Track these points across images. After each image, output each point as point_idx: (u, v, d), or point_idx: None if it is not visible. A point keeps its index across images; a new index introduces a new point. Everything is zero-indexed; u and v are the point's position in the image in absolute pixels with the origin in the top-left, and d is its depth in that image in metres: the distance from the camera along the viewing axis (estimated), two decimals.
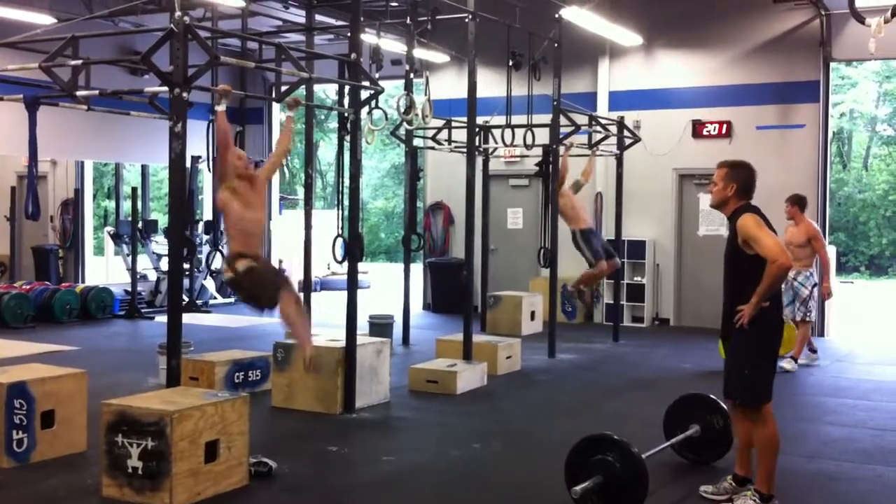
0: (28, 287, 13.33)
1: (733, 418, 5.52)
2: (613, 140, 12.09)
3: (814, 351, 10.57)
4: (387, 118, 9.61)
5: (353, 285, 7.79)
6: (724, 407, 5.95)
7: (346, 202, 8.10)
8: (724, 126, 13.25)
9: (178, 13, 5.93)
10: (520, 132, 11.32)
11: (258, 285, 6.39)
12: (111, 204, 20.55)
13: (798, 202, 10.06)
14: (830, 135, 13.59)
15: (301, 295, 7.41)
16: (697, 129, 13.43)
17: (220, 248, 14.12)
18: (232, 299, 15.92)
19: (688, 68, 13.62)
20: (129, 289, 14.07)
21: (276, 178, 18.73)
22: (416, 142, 11.99)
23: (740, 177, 5.25)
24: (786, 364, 9.76)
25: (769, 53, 13.05)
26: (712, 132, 13.34)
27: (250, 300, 6.49)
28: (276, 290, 6.41)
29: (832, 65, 13.14)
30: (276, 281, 6.49)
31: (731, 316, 5.13)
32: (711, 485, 5.46)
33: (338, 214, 8.82)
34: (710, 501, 5.36)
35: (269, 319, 13.78)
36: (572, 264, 12.33)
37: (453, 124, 11.93)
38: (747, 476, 5.38)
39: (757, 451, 5.23)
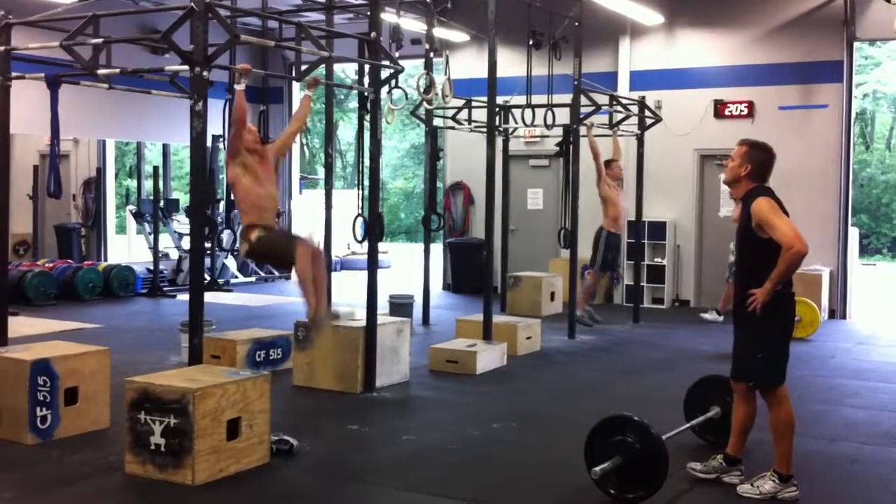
0: (51, 265, 13.44)
1: (735, 400, 5.46)
2: (634, 120, 12.01)
3: (720, 314, 11.97)
4: (407, 98, 9.59)
5: (373, 265, 7.81)
6: None
7: (366, 182, 8.10)
8: (746, 106, 13.16)
9: None
10: (540, 112, 11.27)
11: (272, 248, 6.54)
12: (133, 183, 20.60)
13: None
14: (853, 115, 13.46)
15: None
16: (719, 109, 13.34)
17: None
18: (253, 278, 16.01)
19: (709, 47, 13.51)
20: (151, 267, 14.16)
21: (296, 158, 18.76)
22: (436, 122, 11.96)
23: (757, 159, 5.15)
24: (708, 315, 12.07)
25: (792, 33, 12.93)
26: (734, 112, 13.25)
27: (272, 263, 6.62)
28: (291, 247, 6.48)
29: (856, 44, 12.99)
30: (288, 241, 6.60)
31: (743, 299, 5.08)
32: (700, 462, 5.46)
33: (358, 194, 8.83)
34: (727, 484, 5.34)
35: (290, 298, 13.85)
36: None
37: (473, 104, 11.88)
38: (737, 457, 5.38)
39: (774, 434, 5.21)
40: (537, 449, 6.19)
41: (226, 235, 15.05)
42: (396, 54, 8.97)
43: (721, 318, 11.72)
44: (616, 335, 11.07)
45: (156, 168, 14.76)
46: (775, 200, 5.05)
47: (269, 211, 6.62)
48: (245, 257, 7.10)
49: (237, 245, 14.19)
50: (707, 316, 12.11)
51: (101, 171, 16.34)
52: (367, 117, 7.93)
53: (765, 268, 4.93)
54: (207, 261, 14.12)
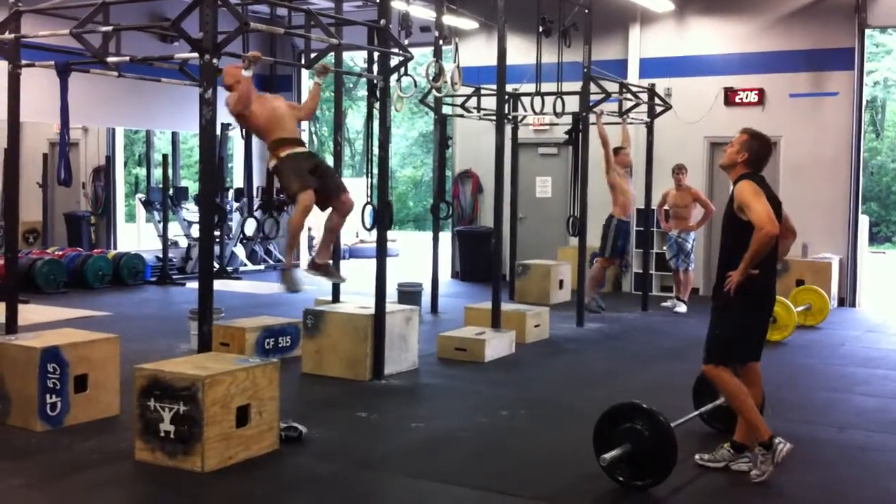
0: (60, 253, 13.47)
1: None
2: (644, 108, 11.98)
3: (681, 300, 11.89)
4: (416, 85, 9.58)
5: (382, 253, 7.81)
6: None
7: (375, 170, 8.10)
8: (757, 94, 13.10)
9: None
10: (549, 100, 11.23)
11: (296, 171, 6.64)
12: (142, 171, 20.66)
13: (686, 170, 11.78)
14: (864, 103, 13.39)
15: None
16: (730, 96, 13.28)
17: (254, 214, 14.18)
18: (262, 266, 16.02)
19: (720, 35, 13.45)
20: (161, 255, 14.19)
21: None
22: (445, 109, 11.93)
23: (754, 148, 5.29)
24: (675, 306, 11.81)
25: (803, 20, 12.86)
26: (745, 100, 13.19)
27: (283, 188, 6.77)
28: (299, 186, 6.61)
29: (867, 31, 12.91)
30: (303, 179, 6.65)
31: (722, 280, 5.22)
32: (707, 453, 5.47)
33: (367, 182, 8.83)
34: (735, 472, 5.34)
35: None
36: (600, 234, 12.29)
37: (482, 92, 11.86)
38: (745, 443, 5.38)
39: (734, 409, 5.34)
40: (546, 436, 6.19)
41: (234, 223, 15.09)
42: (406, 42, 8.95)
43: (685, 308, 11.77)
44: (625, 323, 11.07)
45: (165, 156, 14.77)
46: (761, 186, 5.18)
47: (289, 123, 6.75)
48: (272, 172, 7.13)
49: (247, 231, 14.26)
50: (668, 304, 12.05)
51: (110, 160, 16.35)
52: (377, 105, 7.92)
53: (743, 250, 5.06)
54: (216, 249, 14.14)
